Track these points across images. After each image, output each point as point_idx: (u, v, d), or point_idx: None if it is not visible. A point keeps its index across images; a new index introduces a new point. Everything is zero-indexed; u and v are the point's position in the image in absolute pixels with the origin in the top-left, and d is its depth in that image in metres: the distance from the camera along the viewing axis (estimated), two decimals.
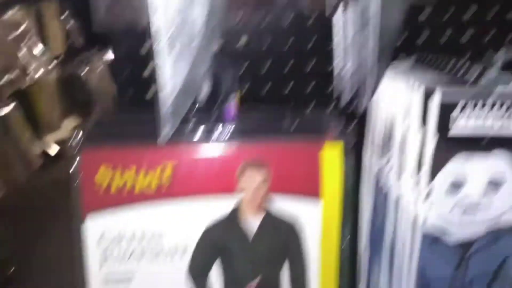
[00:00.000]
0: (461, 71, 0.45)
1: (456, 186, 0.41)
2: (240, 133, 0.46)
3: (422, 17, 0.56)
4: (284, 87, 0.52)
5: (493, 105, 0.39)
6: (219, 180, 0.45)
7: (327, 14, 0.47)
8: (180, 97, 0.35)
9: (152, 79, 0.49)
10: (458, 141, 0.40)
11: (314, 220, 0.47)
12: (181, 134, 0.44)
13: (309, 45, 0.54)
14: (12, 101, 1.70)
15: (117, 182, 0.43)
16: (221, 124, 0.46)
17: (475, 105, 0.39)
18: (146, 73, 0.47)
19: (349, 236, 0.49)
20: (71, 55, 2.20)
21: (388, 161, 0.49)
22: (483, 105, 0.39)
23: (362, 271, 0.56)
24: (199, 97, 0.42)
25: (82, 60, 2.22)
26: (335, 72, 0.48)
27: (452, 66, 0.47)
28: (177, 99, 0.35)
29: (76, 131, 0.42)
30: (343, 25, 0.47)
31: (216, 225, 0.45)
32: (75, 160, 0.42)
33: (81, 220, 0.43)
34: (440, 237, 0.42)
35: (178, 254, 0.45)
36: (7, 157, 1.65)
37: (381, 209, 0.50)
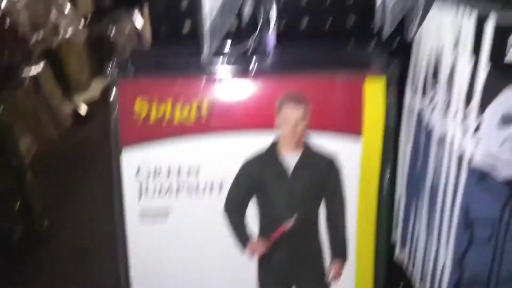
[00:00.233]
0: None
1: (507, 119, 0.39)
2: (279, 67, 0.44)
3: None
4: (324, 21, 0.50)
5: None
6: (257, 115, 0.44)
7: None
8: (220, 16, 0.33)
9: (188, 13, 0.47)
10: None
11: (354, 158, 0.46)
12: (219, 66, 0.43)
13: None
14: (43, 60, 1.71)
15: (154, 115, 0.42)
16: (259, 57, 0.44)
17: None
18: (183, 4, 0.46)
19: (388, 176, 0.48)
20: (99, 15, 2.19)
21: (432, 99, 0.47)
22: None
23: (399, 214, 0.54)
24: (237, 25, 0.41)
25: (110, 21, 2.22)
26: (377, 4, 0.46)
27: None
28: (217, 18, 0.33)
29: (111, 62, 0.41)
30: None
31: (254, 160, 0.44)
32: (112, 92, 0.42)
33: (119, 153, 0.43)
34: (488, 174, 0.41)
35: (214, 189, 0.45)
36: (39, 115, 1.67)
37: (423, 148, 0.48)
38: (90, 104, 1.92)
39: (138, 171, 0.44)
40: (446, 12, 0.43)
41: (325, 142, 0.44)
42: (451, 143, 0.43)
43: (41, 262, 1.05)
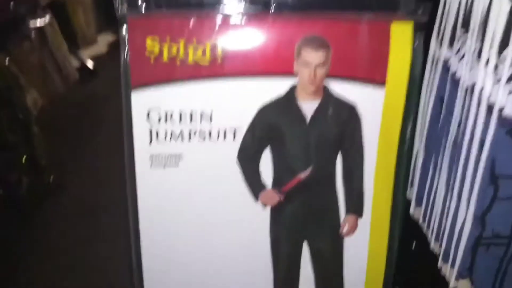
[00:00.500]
0: None
1: None
2: (300, 6, 0.41)
3: None
4: None
5: None
6: (275, 59, 0.41)
7: None
8: None
9: None
10: None
11: (376, 109, 0.43)
12: (235, 4, 0.40)
13: None
14: (49, 13, 1.67)
15: (166, 55, 0.40)
16: None
17: None
18: None
19: (410, 129, 0.45)
20: None
21: (460, 48, 0.44)
22: None
23: (415, 171, 0.52)
24: None
25: None
26: None
27: None
28: None
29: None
30: None
31: (270, 107, 0.42)
32: (122, 29, 0.39)
33: (129, 93, 0.41)
34: None
35: (228, 136, 0.43)
36: (45, 69, 1.65)
37: (448, 100, 0.45)
38: (97, 60, 1.89)
39: (148, 114, 0.42)
40: None
41: (346, 90, 0.42)
42: (481, 93, 0.40)
43: (48, 216, 1.05)
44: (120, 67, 0.39)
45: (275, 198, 0.45)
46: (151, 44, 0.40)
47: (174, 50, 0.40)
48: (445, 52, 0.46)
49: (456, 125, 0.44)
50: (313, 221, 0.47)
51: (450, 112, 0.45)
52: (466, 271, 0.44)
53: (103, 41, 2.00)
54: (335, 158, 0.44)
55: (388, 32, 0.41)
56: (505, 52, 0.37)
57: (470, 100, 0.41)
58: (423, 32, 0.43)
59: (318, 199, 0.46)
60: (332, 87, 0.42)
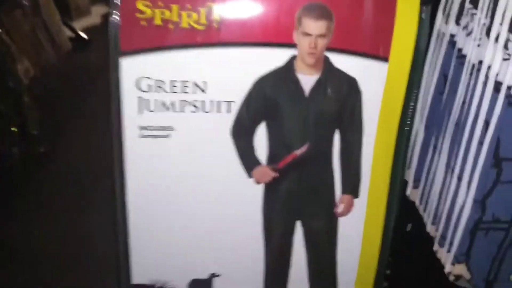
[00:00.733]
0: None
1: None
2: None
3: None
4: None
5: None
6: (273, 27, 0.39)
7: None
8: None
9: None
10: None
11: (378, 84, 0.41)
12: None
13: None
14: None
15: (157, 18, 0.38)
16: None
17: None
18: None
19: (412, 106, 0.43)
20: None
21: (467, 24, 0.42)
22: None
23: (414, 151, 0.51)
24: None
25: None
26: None
27: None
28: None
29: None
30: None
31: (267, 79, 0.40)
32: None
33: (117, 59, 0.38)
34: None
35: (222, 109, 0.41)
36: (37, 38, 1.61)
37: (452, 77, 0.43)
38: (91, 31, 1.85)
39: (138, 83, 0.39)
40: None
41: (348, 64, 0.40)
42: (488, 70, 0.38)
43: (40, 185, 1.04)
44: (109, 32, 0.37)
45: (269, 175, 0.43)
46: (143, 8, 0.37)
47: (167, 14, 0.37)
48: (451, 27, 0.44)
49: (460, 104, 0.42)
50: (307, 200, 0.45)
51: (454, 90, 0.43)
52: (463, 256, 0.43)
53: (97, 13, 1.95)
54: (333, 135, 0.43)
55: (394, 4, 0.39)
56: None
57: (476, 77, 0.40)
58: (430, 6, 0.40)
59: (314, 177, 0.44)
60: (333, 60, 0.40)
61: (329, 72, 0.40)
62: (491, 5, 0.38)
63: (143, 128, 0.41)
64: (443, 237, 0.45)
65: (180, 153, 0.42)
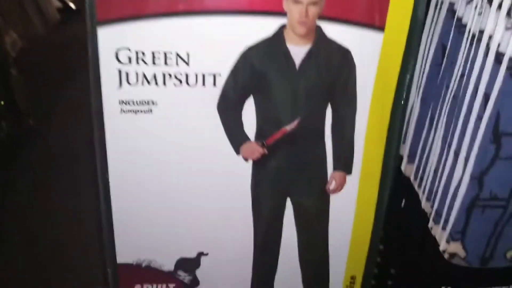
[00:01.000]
0: None
1: None
2: None
3: None
4: None
5: None
6: None
7: None
8: None
9: None
10: None
11: (372, 55, 0.39)
12: None
13: None
14: None
15: None
16: None
17: None
18: None
19: (408, 80, 0.41)
20: None
21: None
22: None
23: (409, 125, 0.49)
24: None
25: None
26: None
27: None
28: None
29: None
30: None
31: (255, 49, 0.37)
32: None
33: (94, 29, 0.36)
34: None
35: (207, 82, 0.39)
36: (24, 9, 1.57)
37: (451, 47, 0.41)
38: (79, 2, 1.80)
39: (117, 54, 0.37)
40: None
41: (341, 34, 0.38)
42: (490, 40, 0.36)
43: (28, 160, 1.02)
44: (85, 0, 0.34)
45: (258, 151, 0.41)
46: None
47: None
48: None
49: (459, 76, 0.40)
50: (298, 177, 0.44)
51: (452, 62, 0.41)
52: (458, 234, 0.41)
53: None
54: (325, 109, 0.41)
55: None
56: None
57: (477, 48, 0.38)
58: None
59: (305, 153, 0.43)
60: (325, 29, 0.37)
61: (321, 43, 0.37)
62: None
63: (124, 102, 0.38)
64: (438, 214, 0.44)
65: (164, 129, 0.40)
